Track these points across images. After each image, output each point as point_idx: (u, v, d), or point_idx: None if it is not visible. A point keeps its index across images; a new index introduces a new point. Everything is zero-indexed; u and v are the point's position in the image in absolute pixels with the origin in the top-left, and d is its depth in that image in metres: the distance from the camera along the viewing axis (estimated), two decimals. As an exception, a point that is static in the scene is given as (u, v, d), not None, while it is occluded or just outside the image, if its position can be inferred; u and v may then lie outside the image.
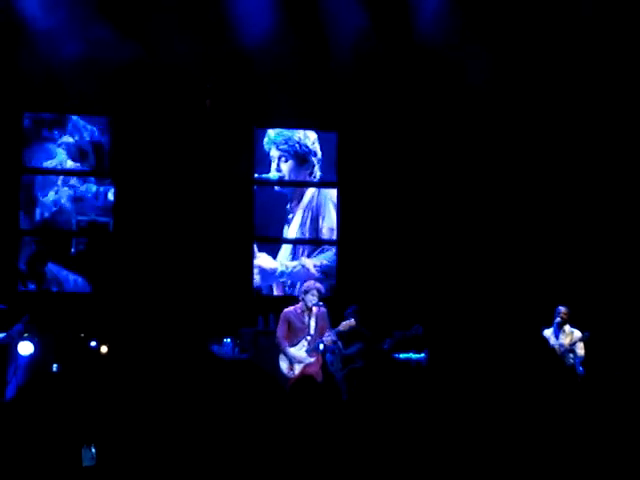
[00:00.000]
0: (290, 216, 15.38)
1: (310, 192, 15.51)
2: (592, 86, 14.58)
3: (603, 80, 14.56)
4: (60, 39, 13.58)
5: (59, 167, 14.84)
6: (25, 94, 14.11)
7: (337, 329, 11.07)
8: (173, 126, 14.28)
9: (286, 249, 15.36)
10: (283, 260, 15.19)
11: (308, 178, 15.54)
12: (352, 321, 11.14)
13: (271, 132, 15.36)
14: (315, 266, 15.20)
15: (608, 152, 14.78)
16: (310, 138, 15.58)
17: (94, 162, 14.90)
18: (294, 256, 15.29)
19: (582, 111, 14.72)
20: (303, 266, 15.13)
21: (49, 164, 14.79)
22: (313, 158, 15.58)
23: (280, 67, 14.11)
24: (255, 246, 15.18)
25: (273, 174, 15.34)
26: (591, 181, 14.85)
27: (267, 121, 15.04)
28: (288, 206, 15.38)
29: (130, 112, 14.34)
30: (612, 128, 14.76)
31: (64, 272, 14.68)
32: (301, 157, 15.55)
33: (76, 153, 14.92)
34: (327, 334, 10.83)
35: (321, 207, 15.45)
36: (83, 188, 14.94)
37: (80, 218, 14.84)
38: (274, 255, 15.22)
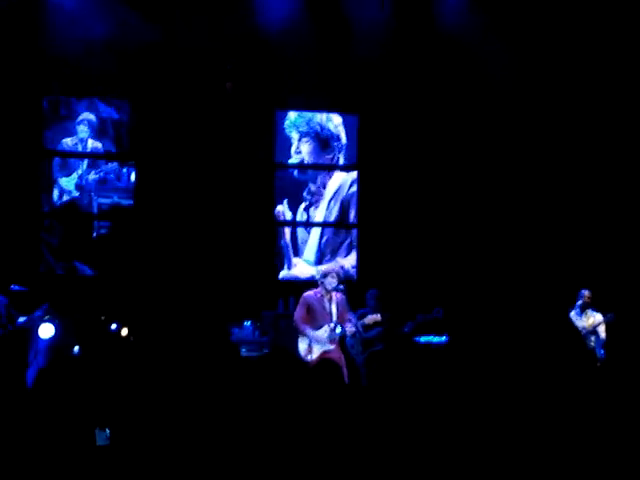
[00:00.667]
0: (313, 203, 15.23)
1: (338, 180, 15.30)
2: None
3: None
4: (80, 21, 13.58)
5: (80, 145, 14.70)
6: (45, 77, 14.07)
7: (362, 321, 11.07)
8: (194, 109, 14.25)
9: (309, 250, 15.21)
10: (319, 266, 14.27)
11: (330, 163, 15.36)
12: (378, 316, 11.13)
13: (292, 115, 15.20)
14: (353, 267, 15.08)
15: (630, 136, 14.71)
16: (333, 121, 15.34)
17: (115, 140, 14.77)
18: (317, 259, 15.06)
19: (602, 95, 14.64)
20: (342, 267, 14.46)
21: (69, 142, 14.69)
22: (335, 143, 15.34)
23: (301, 49, 14.08)
24: (291, 252, 15.09)
25: (293, 159, 15.19)
26: (614, 162, 14.78)
27: (288, 103, 14.97)
28: (305, 193, 15.24)
29: (151, 94, 14.29)
30: (632, 114, 14.68)
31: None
32: (323, 140, 15.31)
33: (97, 129, 14.79)
34: (350, 325, 10.79)
35: (353, 197, 15.34)
36: (106, 168, 14.81)
37: (102, 201, 14.77)
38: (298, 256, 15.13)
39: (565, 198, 14.82)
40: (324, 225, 15.14)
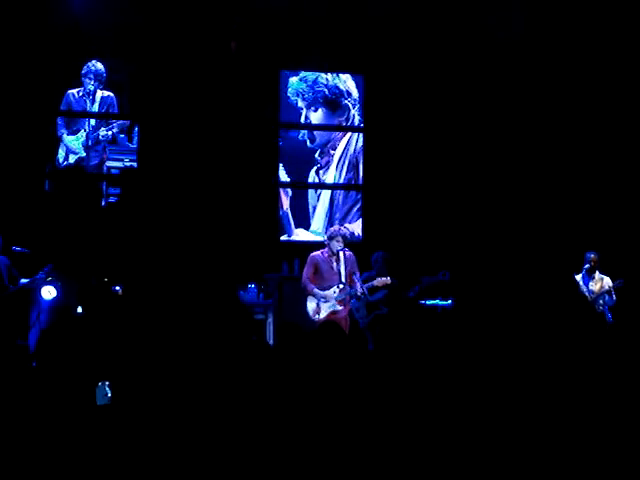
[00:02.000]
0: (323, 165, 14.92)
1: (346, 138, 15.02)
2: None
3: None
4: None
5: (88, 99, 13.99)
6: (50, 42, 13.81)
7: (371, 283, 11.04)
8: (197, 69, 14.07)
9: (318, 220, 14.88)
10: (323, 232, 14.06)
11: (345, 124, 15.00)
12: (388, 279, 11.10)
13: (293, 80, 14.81)
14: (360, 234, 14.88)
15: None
16: (341, 77, 15.00)
17: (120, 97, 14.17)
18: (326, 226, 14.34)
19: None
20: (352, 233, 14.12)
21: (75, 93, 14.02)
22: (347, 101, 14.96)
23: (306, 9, 13.89)
24: (292, 221, 14.78)
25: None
26: (623, 129, 14.75)
27: (293, 64, 14.76)
28: (317, 154, 14.91)
29: (154, 53, 14.09)
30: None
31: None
32: (332, 102, 14.93)
33: (105, 80, 14.10)
34: (358, 287, 10.77)
35: (360, 154, 15.03)
36: (118, 124, 14.07)
37: (111, 165, 14.17)
38: (306, 227, 14.82)
39: (573, 162, 14.75)
40: (325, 187, 14.90)
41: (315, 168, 14.91)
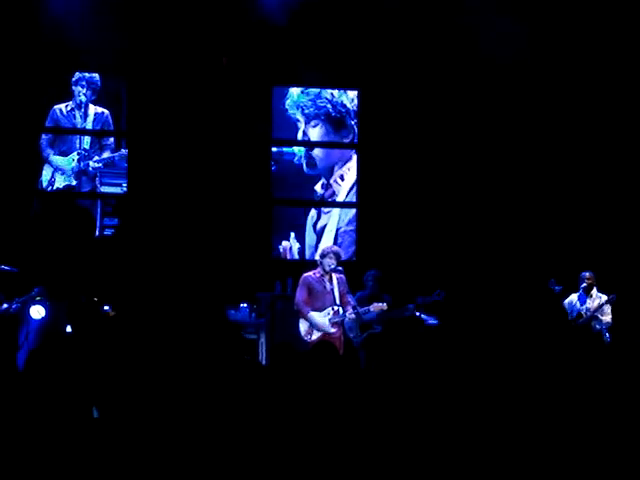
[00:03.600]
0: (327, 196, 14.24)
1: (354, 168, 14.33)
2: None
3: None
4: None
5: (78, 113, 13.04)
6: (40, 53, 13.62)
7: (367, 308, 10.97)
8: (189, 84, 13.95)
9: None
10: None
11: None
12: (384, 305, 11.05)
13: (294, 92, 14.37)
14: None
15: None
16: (349, 95, 14.49)
17: (113, 110, 13.33)
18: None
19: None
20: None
21: (63, 108, 13.15)
22: (353, 122, 14.43)
23: (299, 23, 13.81)
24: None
25: (298, 149, 14.31)
26: (615, 148, 14.68)
27: (286, 79, 14.58)
28: (319, 186, 14.36)
29: (146, 69, 13.96)
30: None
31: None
32: (336, 120, 14.38)
33: (99, 91, 13.20)
34: (350, 311, 10.72)
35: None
36: (115, 158, 12.95)
37: (107, 190, 13.32)
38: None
39: (564, 181, 14.71)
40: (319, 205, 14.58)
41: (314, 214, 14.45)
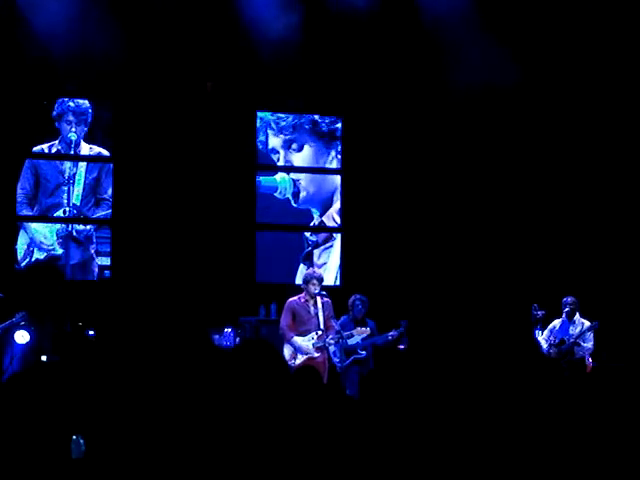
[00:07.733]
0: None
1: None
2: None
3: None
4: (58, 25, 13.25)
5: (68, 150, 11.89)
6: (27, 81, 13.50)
7: (350, 332, 11.02)
8: (173, 110, 13.96)
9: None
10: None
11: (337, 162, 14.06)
12: (367, 329, 11.12)
13: (265, 114, 14.09)
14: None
15: (618, 144, 14.70)
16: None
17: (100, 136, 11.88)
18: None
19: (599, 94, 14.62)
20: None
21: (46, 149, 12.18)
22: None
23: (283, 49, 13.85)
24: None
25: (282, 177, 14.04)
26: (597, 173, 14.74)
27: (270, 105, 14.63)
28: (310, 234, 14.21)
29: (130, 95, 13.97)
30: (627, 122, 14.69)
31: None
32: (322, 135, 14.13)
33: (90, 124, 11.71)
34: (332, 336, 10.75)
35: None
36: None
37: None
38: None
39: (545, 210, 14.78)
40: (306, 229, 14.60)
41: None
